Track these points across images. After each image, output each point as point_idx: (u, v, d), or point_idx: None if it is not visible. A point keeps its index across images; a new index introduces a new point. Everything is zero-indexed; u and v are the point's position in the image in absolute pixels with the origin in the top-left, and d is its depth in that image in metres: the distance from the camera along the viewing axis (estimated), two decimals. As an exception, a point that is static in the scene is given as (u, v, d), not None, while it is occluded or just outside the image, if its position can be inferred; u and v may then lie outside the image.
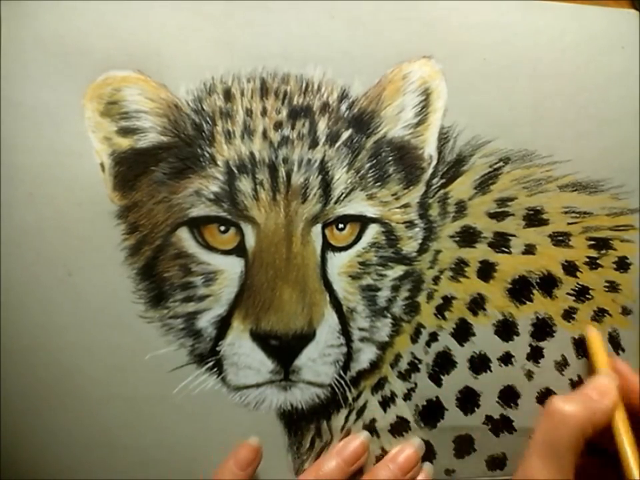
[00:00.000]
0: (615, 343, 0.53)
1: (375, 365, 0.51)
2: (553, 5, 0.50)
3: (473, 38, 0.50)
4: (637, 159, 0.52)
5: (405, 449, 0.51)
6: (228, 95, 0.48)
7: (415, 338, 0.51)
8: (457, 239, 0.50)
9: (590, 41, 0.51)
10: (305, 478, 0.49)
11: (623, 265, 0.52)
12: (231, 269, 0.48)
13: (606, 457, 0.47)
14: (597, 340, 0.51)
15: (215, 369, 0.49)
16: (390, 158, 0.49)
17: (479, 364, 0.51)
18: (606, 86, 0.51)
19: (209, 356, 0.49)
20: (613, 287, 0.52)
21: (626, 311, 0.53)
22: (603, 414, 0.44)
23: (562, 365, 0.52)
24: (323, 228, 0.48)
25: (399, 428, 0.52)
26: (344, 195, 0.48)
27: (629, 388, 0.47)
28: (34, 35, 0.47)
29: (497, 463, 0.52)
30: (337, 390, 0.50)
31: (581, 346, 0.52)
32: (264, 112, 0.48)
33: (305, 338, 0.48)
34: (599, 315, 0.52)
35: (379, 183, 0.49)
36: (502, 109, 0.51)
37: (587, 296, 0.52)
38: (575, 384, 0.52)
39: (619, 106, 0.52)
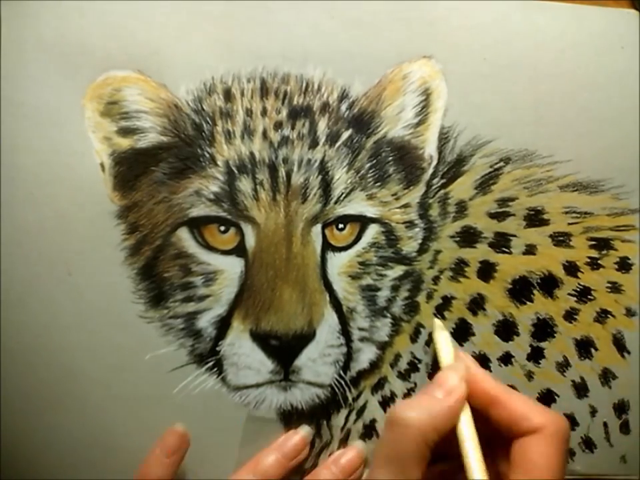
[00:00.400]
0: (619, 345, 0.52)
1: (374, 365, 0.51)
2: (553, 5, 0.50)
3: (473, 38, 0.50)
4: (637, 158, 0.52)
5: (348, 452, 0.50)
6: (228, 95, 0.48)
7: (414, 338, 0.51)
8: (457, 239, 0.50)
9: (590, 41, 0.51)
10: (241, 476, 0.48)
11: (624, 265, 0.52)
12: (230, 269, 0.48)
13: (455, 463, 0.44)
14: (441, 333, 0.49)
15: (215, 369, 0.49)
16: (390, 158, 0.49)
17: (479, 364, 0.51)
18: (606, 86, 0.51)
19: (208, 356, 0.49)
20: (615, 287, 0.52)
21: (630, 312, 0.52)
22: (445, 417, 0.42)
23: (563, 365, 0.52)
24: (323, 228, 0.48)
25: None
26: (344, 195, 0.48)
27: (473, 382, 0.44)
28: (34, 35, 0.47)
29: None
30: (337, 390, 0.50)
31: (583, 347, 0.52)
32: (264, 112, 0.48)
33: (304, 338, 0.48)
34: (602, 316, 0.52)
35: (379, 183, 0.49)
36: (502, 109, 0.51)
37: (589, 297, 0.52)
38: (577, 385, 0.52)
39: (619, 106, 0.52)
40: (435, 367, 0.50)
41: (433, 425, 0.41)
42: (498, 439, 0.43)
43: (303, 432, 0.51)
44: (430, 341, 0.51)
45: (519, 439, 0.42)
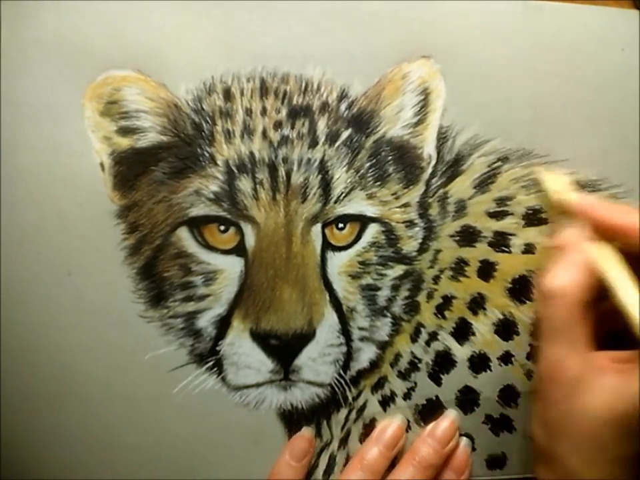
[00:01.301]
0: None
1: (374, 364, 0.51)
2: (552, 5, 0.50)
3: (472, 38, 0.50)
4: (636, 158, 0.52)
5: (442, 422, 0.51)
6: (228, 95, 0.48)
7: (414, 337, 0.51)
8: (457, 238, 0.50)
9: (589, 41, 0.51)
10: (351, 471, 0.49)
11: (623, 264, 0.52)
12: (230, 268, 0.48)
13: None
14: (555, 179, 0.49)
15: (215, 369, 0.49)
16: (389, 157, 0.49)
17: (479, 363, 0.51)
18: (605, 85, 0.51)
19: (208, 355, 0.49)
20: (613, 286, 0.52)
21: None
22: (586, 270, 0.42)
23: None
24: (323, 227, 0.48)
25: (399, 427, 0.52)
26: (344, 195, 0.48)
27: (602, 222, 0.44)
28: (34, 34, 0.47)
29: (496, 462, 0.52)
30: (336, 389, 0.50)
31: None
32: (264, 111, 0.48)
33: (304, 337, 0.48)
34: (601, 314, 0.52)
35: (378, 183, 0.49)
36: (501, 109, 0.51)
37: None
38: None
39: (618, 106, 0.52)
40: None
41: (582, 284, 0.41)
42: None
43: (398, 421, 0.51)
44: (430, 341, 0.51)
45: None
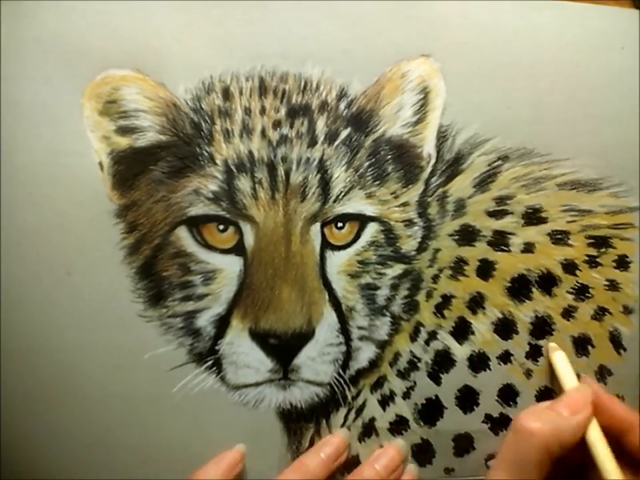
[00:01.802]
0: (615, 342, 0.52)
1: (374, 364, 0.51)
2: (553, 4, 0.50)
3: (472, 36, 0.50)
4: (636, 157, 0.52)
5: (389, 450, 0.51)
6: (227, 94, 0.48)
7: (414, 336, 0.51)
8: (456, 237, 0.50)
9: (589, 40, 0.51)
10: (287, 477, 0.48)
11: (622, 263, 0.52)
12: (229, 267, 0.48)
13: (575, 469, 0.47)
14: (562, 360, 0.50)
15: (214, 368, 0.49)
16: (389, 156, 0.49)
17: (478, 362, 0.51)
18: (605, 84, 0.51)
19: (208, 355, 0.49)
20: (613, 285, 0.52)
21: (627, 310, 0.52)
22: (571, 432, 0.43)
23: (561, 363, 0.52)
24: (322, 227, 0.48)
25: (398, 427, 0.52)
26: (343, 194, 0.48)
27: (603, 405, 0.46)
28: (33, 34, 0.47)
29: (496, 461, 0.52)
30: (336, 389, 0.50)
31: (580, 344, 0.52)
32: (262, 111, 0.48)
33: (304, 337, 0.48)
34: (599, 313, 0.52)
35: (377, 182, 0.49)
36: (501, 108, 0.51)
37: (587, 294, 0.52)
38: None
39: (618, 104, 0.52)
40: (556, 389, 0.51)
41: (557, 437, 0.43)
42: (631, 465, 0.44)
43: (342, 433, 0.51)
44: (430, 340, 0.51)
45: None
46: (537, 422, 0.43)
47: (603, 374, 0.52)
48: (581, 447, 0.44)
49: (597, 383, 0.49)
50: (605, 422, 0.45)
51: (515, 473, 0.42)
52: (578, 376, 0.49)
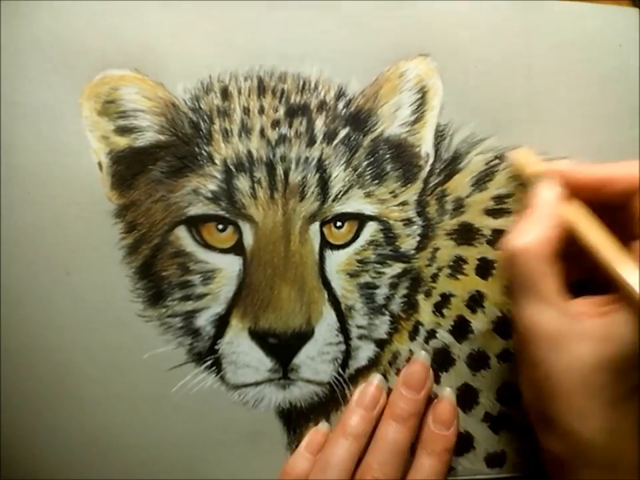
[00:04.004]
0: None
1: (373, 363, 0.51)
2: (550, 3, 0.50)
3: (469, 36, 0.50)
4: (635, 155, 0.52)
5: (410, 368, 0.50)
6: (225, 94, 0.48)
7: (413, 335, 0.51)
8: (455, 236, 0.50)
9: (587, 39, 0.51)
10: (334, 440, 0.48)
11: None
12: (229, 267, 0.48)
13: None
14: (524, 155, 0.49)
15: (214, 368, 0.49)
16: (387, 156, 0.49)
17: (478, 361, 0.51)
18: (603, 83, 0.52)
19: (207, 354, 0.49)
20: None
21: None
22: (547, 227, 0.42)
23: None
24: (321, 226, 0.48)
25: (398, 425, 0.52)
26: (342, 193, 0.48)
27: (575, 179, 0.44)
28: (31, 34, 0.47)
29: (496, 460, 0.52)
30: (335, 388, 0.50)
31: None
32: (261, 110, 0.48)
33: (303, 336, 0.48)
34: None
35: (376, 181, 0.49)
36: (498, 107, 0.51)
37: (585, 293, 0.52)
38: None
39: (615, 104, 0.52)
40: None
41: (545, 238, 0.41)
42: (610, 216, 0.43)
43: (376, 380, 0.50)
44: (429, 339, 0.51)
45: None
46: (513, 241, 0.42)
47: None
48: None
49: (563, 161, 0.48)
50: (583, 191, 0.44)
51: (533, 295, 0.40)
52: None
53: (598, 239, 0.42)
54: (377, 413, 0.49)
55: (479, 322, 0.51)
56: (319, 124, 0.48)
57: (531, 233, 0.42)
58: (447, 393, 0.50)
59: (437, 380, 0.51)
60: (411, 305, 0.51)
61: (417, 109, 0.50)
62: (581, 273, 0.44)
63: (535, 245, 0.41)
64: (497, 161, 0.51)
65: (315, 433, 0.50)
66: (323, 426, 0.51)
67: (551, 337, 0.40)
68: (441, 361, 0.51)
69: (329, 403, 0.51)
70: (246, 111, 0.48)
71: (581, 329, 0.40)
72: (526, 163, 0.49)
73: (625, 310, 0.39)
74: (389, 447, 0.47)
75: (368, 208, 0.49)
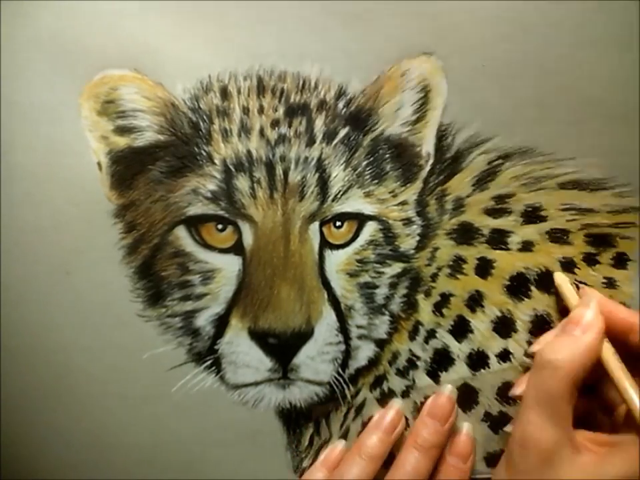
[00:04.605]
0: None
1: (373, 362, 0.51)
2: (558, 2, 0.50)
3: (476, 33, 0.50)
4: (644, 156, 0.52)
5: (436, 401, 0.50)
6: (225, 93, 0.48)
7: (413, 335, 0.51)
8: (455, 236, 0.50)
9: (595, 38, 0.51)
10: (350, 459, 0.48)
11: (620, 261, 0.52)
12: (228, 267, 0.48)
13: (593, 393, 0.47)
14: (563, 280, 0.50)
15: (214, 368, 0.49)
16: (387, 155, 0.49)
17: (477, 361, 0.51)
18: (610, 83, 0.51)
19: (207, 354, 0.49)
20: (610, 283, 0.51)
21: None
22: (588, 353, 0.43)
23: (562, 362, 0.51)
24: (321, 226, 0.48)
25: (398, 425, 0.52)
26: (341, 193, 0.48)
27: (607, 312, 0.46)
28: (31, 34, 0.47)
29: (495, 459, 0.51)
30: (335, 388, 0.50)
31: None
32: (261, 110, 0.48)
33: (303, 336, 0.48)
34: (597, 311, 0.52)
35: (376, 181, 0.49)
36: (504, 106, 0.50)
37: (585, 292, 0.51)
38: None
39: (623, 104, 0.51)
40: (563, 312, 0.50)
41: (580, 363, 0.42)
42: (631, 363, 0.44)
43: (396, 405, 0.51)
44: (429, 338, 0.51)
45: None
46: (557, 353, 0.43)
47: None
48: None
49: (596, 291, 0.48)
50: (610, 326, 0.45)
51: (546, 409, 0.42)
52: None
53: (622, 372, 0.44)
54: (395, 438, 0.49)
55: (478, 321, 0.51)
56: (319, 123, 0.48)
57: (570, 351, 0.43)
58: (467, 428, 0.51)
59: (437, 380, 0.51)
60: (410, 305, 0.51)
61: (418, 108, 0.50)
62: (587, 405, 0.47)
63: (571, 364, 0.42)
64: (500, 161, 0.51)
65: (332, 451, 0.50)
66: (339, 444, 0.51)
67: (546, 454, 0.42)
68: (441, 360, 0.51)
69: (329, 403, 0.51)
70: (245, 110, 0.48)
71: (575, 459, 0.42)
72: (567, 286, 0.50)
73: (620, 455, 0.42)
74: (408, 474, 0.48)
75: (367, 208, 0.49)
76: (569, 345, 0.44)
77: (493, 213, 0.50)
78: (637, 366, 0.44)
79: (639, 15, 0.51)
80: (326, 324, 0.49)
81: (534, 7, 0.50)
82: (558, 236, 0.51)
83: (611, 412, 0.46)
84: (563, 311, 0.50)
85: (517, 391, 0.47)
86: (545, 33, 0.50)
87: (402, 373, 0.51)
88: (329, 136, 0.48)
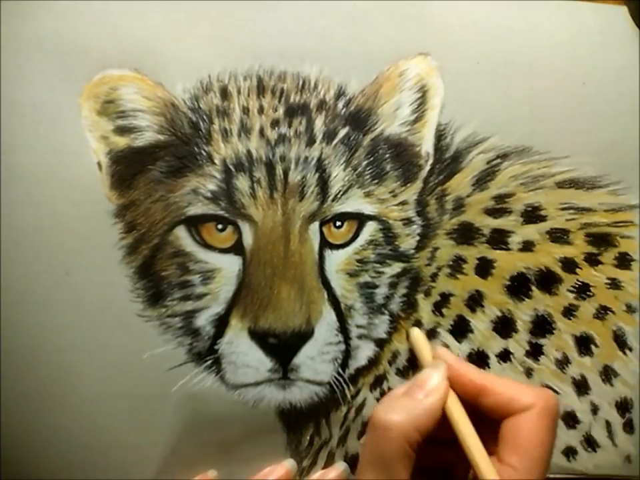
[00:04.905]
0: (620, 341, 0.52)
1: (373, 362, 0.51)
2: (549, 2, 0.50)
3: (470, 34, 0.50)
4: (635, 154, 0.52)
5: (330, 472, 0.50)
6: (225, 93, 0.48)
7: (413, 335, 0.51)
8: (455, 235, 0.50)
9: (587, 37, 0.51)
10: None
11: (624, 261, 0.52)
12: (228, 267, 0.48)
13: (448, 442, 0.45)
14: (418, 338, 0.49)
15: (214, 368, 0.49)
16: (387, 155, 0.49)
17: (478, 361, 0.51)
18: (604, 82, 0.51)
19: (207, 354, 0.49)
20: (614, 284, 0.52)
21: (631, 309, 0.52)
22: (427, 417, 0.42)
23: (563, 362, 0.52)
24: (321, 226, 0.48)
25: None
26: (341, 193, 0.48)
27: (457, 375, 0.44)
28: (31, 34, 0.47)
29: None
30: (335, 388, 0.50)
31: (583, 343, 0.52)
32: (261, 110, 0.48)
33: (303, 336, 0.48)
34: (602, 312, 0.52)
35: (376, 181, 0.49)
36: (499, 106, 0.51)
37: (588, 293, 0.51)
38: (577, 382, 0.52)
39: (616, 102, 0.52)
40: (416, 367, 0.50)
41: (415, 426, 0.41)
42: (485, 423, 0.43)
43: (288, 464, 0.50)
44: (428, 338, 0.51)
45: (509, 419, 0.42)
46: (391, 413, 0.41)
47: (608, 374, 0.52)
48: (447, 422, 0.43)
49: (449, 352, 0.47)
50: (461, 390, 0.44)
51: (380, 471, 0.41)
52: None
53: (467, 429, 0.42)
54: None
55: (478, 321, 0.51)
56: (319, 123, 0.48)
57: (406, 412, 0.41)
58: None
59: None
60: (410, 305, 0.51)
61: (417, 108, 0.50)
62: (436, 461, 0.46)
63: (403, 426, 0.41)
64: (498, 160, 0.51)
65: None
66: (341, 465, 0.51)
67: None
68: (441, 360, 0.51)
69: (329, 402, 0.51)
70: (245, 110, 0.48)
71: None
72: (422, 345, 0.48)
73: None
74: None
75: (367, 207, 0.49)
76: (406, 407, 0.42)
77: (493, 212, 0.50)
78: (491, 429, 0.43)
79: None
80: (326, 324, 0.49)
81: (524, 9, 0.50)
82: (558, 236, 0.51)
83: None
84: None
85: None
86: (536, 33, 0.51)
87: (402, 373, 0.51)
88: (329, 136, 0.48)
